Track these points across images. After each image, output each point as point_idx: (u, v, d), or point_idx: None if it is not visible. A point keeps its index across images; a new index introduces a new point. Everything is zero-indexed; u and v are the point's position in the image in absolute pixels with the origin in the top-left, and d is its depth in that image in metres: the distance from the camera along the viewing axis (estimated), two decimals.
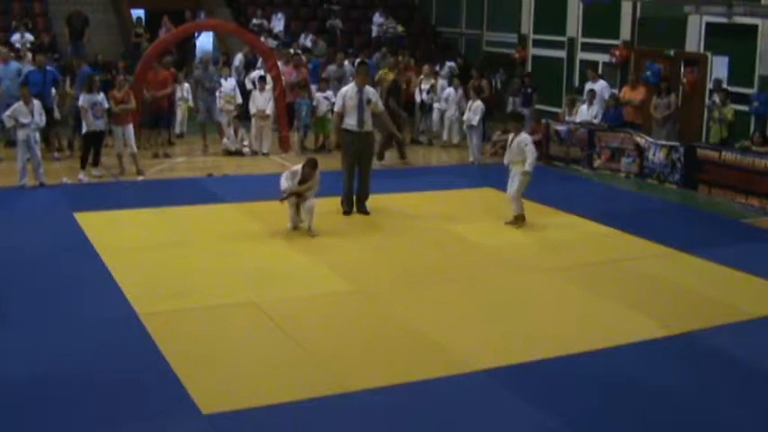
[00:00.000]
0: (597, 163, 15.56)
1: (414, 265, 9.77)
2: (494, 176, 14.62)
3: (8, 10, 20.61)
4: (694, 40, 17.08)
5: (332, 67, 18.11)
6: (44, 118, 13.05)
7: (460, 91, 17.37)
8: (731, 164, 13.35)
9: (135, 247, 10.08)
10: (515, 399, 6.49)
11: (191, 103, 17.00)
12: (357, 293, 8.76)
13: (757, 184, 12.92)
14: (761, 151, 13.35)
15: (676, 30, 17.27)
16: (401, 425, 6.11)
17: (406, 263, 9.83)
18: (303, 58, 18.30)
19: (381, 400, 6.42)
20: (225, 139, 16.08)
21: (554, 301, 8.74)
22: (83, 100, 13.41)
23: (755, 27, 15.67)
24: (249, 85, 17.05)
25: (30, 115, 12.75)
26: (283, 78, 16.60)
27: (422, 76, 18.03)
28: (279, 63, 16.83)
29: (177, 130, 17.21)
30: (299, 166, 10.82)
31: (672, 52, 17.55)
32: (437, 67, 18.77)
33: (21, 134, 12.76)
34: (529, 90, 18.54)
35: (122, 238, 10.40)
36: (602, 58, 19.18)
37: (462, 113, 16.57)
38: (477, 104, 16.01)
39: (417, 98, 17.85)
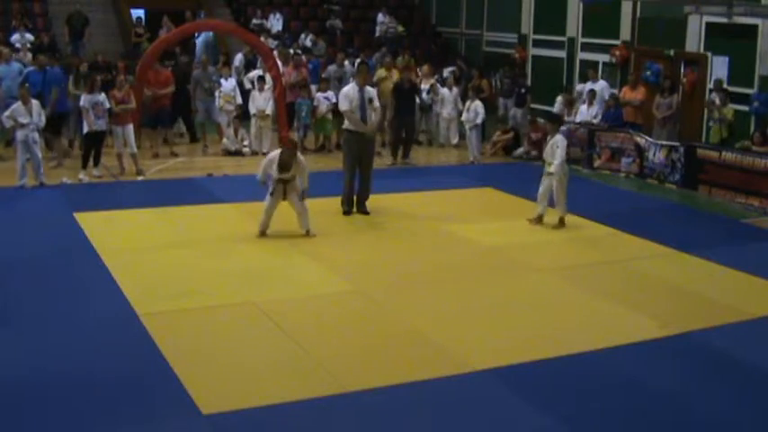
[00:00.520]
0: (597, 163, 15.56)
1: (414, 264, 9.77)
2: (494, 176, 14.65)
3: (8, 10, 20.60)
4: (694, 40, 17.09)
5: (332, 67, 18.10)
6: (42, 117, 13.04)
7: (455, 90, 17.35)
8: (731, 164, 13.35)
9: (135, 247, 10.08)
10: (515, 399, 6.49)
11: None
12: (357, 293, 8.76)
13: (757, 184, 12.92)
14: (761, 151, 13.35)
15: (676, 30, 17.28)
16: (401, 425, 6.11)
17: (406, 263, 9.82)
18: (303, 58, 18.29)
19: (381, 400, 6.42)
20: (224, 139, 16.08)
21: (554, 301, 8.74)
22: (84, 100, 13.41)
23: (755, 27, 15.67)
24: (248, 85, 17.03)
25: (28, 115, 12.74)
26: (283, 78, 16.59)
27: (421, 77, 18.01)
28: (279, 63, 16.83)
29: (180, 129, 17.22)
30: (276, 152, 10.57)
31: (672, 52, 17.55)
32: (437, 76, 18.55)
33: (20, 134, 12.75)
34: (522, 90, 18.48)
35: (122, 239, 10.40)
36: (602, 58, 19.20)
37: (460, 113, 16.58)
38: (477, 104, 16.02)
39: (417, 98, 17.83)
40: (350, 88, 11.92)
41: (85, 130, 13.59)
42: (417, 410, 6.30)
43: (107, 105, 13.55)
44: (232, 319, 7.97)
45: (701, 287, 9.24)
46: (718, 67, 16.41)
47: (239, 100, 16.22)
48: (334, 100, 15.62)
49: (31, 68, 15.48)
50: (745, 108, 15.43)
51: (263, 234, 10.52)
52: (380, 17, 23.19)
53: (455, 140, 17.46)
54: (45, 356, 6.98)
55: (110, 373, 6.69)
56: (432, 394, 6.55)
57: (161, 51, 16.16)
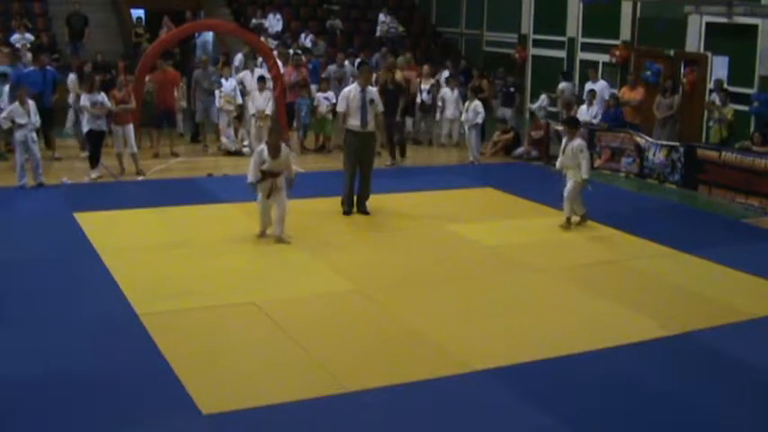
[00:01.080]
0: (597, 163, 15.54)
1: (414, 264, 9.77)
2: (494, 176, 14.65)
3: (8, 10, 20.60)
4: (694, 40, 17.10)
5: (332, 67, 18.10)
6: (38, 117, 13.02)
7: (456, 91, 17.36)
8: (731, 164, 13.35)
9: (135, 247, 10.08)
10: (515, 399, 6.49)
11: (183, 104, 16.98)
12: (357, 293, 8.76)
13: (757, 184, 12.92)
14: (761, 151, 13.35)
15: (676, 30, 17.28)
16: (401, 425, 6.11)
17: (406, 263, 9.82)
18: (303, 58, 18.30)
19: (381, 400, 6.42)
20: (223, 139, 16.08)
21: (554, 301, 8.74)
22: (84, 100, 13.42)
23: (755, 27, 15.68)
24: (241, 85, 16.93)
25: (26, 115, 12.75)
26: (284, 78, 16.60)
27: (421, 77, 18.02)
28: (279, 63, 16.83)
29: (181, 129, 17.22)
30: (261, 145, 10.37)
31: (672, 52, 17.56)
32: (439, 76, 18.50)
33: (18, 135, 12.75)
34: (511, 89, 18.45)
35: (122, 239, 10.39)
36: (602, 58, 19.21)
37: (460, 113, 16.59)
38: (476, 104, 16.03)
39: (417, 98, 17.85)
40: (351, 89, 11.91)
41: (85, 129, 13.60)
42: (417, 410, 6.29)
43: (107, 105, 13.55)
44: (232, 319, 7.97)
45: (701, 287, 9.24)
46: (719, 67, 16.42)
47: (239, 100, 16.22)
48: (334, 100, 15.61)
49: (31, 68, 15.47)
50: (745, 108, 15.44)
51: (263, 234, 10.49)
52: (381, 17, 23.20)
53: (456, 140, 17.47)
54: (45, 356, 6.97)
55: (110, 373, 6.69)
56: (432, 394, 6.55)
57: (161, 51, 16.16)
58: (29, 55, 17.07)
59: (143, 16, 22.85)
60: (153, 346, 7.18)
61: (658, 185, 14.45)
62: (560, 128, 16.05)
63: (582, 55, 20.04)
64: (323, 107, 16.24)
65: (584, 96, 17.00)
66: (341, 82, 16.87)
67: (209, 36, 21.85)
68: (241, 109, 16.33)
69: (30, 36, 19.12)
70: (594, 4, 18.80)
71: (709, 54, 16.71)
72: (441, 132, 17.76)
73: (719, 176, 13.50)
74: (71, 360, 6.92)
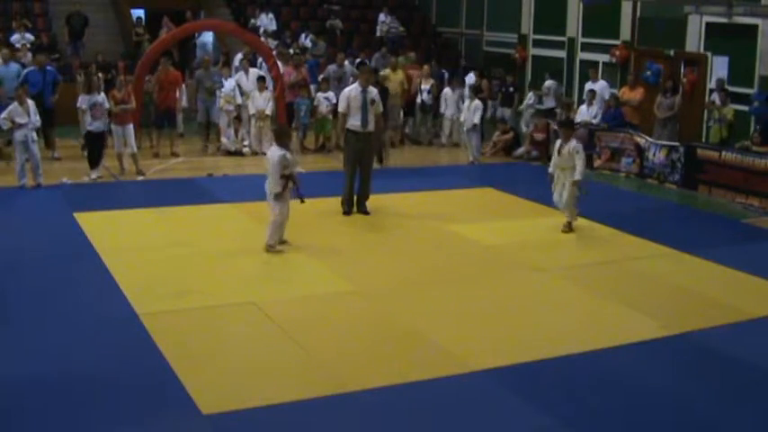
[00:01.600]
0: (597, 163, 15.55)
1: (414, 264, 9.77)
2: (494, 176, 14.65)
3: (8, 10, 20.60)
4: (694, 40, 17.09)
5: (332, 67, 18.10)
6: (37, 117, 13.02)
7: (458, 91, 17.37)
8: (731, 164, 13.35)
9: (135, 247, 10.08)
10: (515, 399, 6.49)
11: (184, 104, 16.97)
12: (357, 294, 8.76)
13: (757, 184, 12.92)
14: (761, 151, 13.35)
15: (676, 30, 17.28)
16: (401, 425, 6.11)
17: (406, 263, 9.82)
18: (303, 57, 18.31)
19: (381, 400, 6.41)
20: (223, 139, 16.09)
21: (554, 301, 8.74)
22: (82, 100, 13.42)
23: (755, 27, 15.67)
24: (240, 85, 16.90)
25: (26, 115, 12.75)
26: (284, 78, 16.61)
27: (421, 77, 18.02)
28: (279, 63, 16.82)
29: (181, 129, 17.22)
30: (281, 150, 9.85)
31: (672, 52, 17.56)
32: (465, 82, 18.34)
33: (18, 135, 12.75)
34: (510, 89, 18.44)
35: (122, 239, 10.40)
36: (602, 58, 19.20)
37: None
38: (476, 104, 16.03)
39: (418, 98, 17.86)
40: (352, 89, 11.89)
41: (84, 130, 13.60)
42: (417, 410, 6.29)
43: (106, 106, 13.55)
44: (232, 319, 7.97)
45: (701, 287, 9.24)
46: (719, 67, 16.41)
47: (239, 100, 16.22)
48: (334, 100, 15.61)
49: (31, 68, 15.47)
50: (745, 108, 15.43)
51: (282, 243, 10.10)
52: (382, 17, 23.19)
53: (456, 140, 17.48)
54: (45, 356, 6.98)
55: (110, 373, 6.69)
56: (432, 394, 6.55)
57: (161, 52, 16.16)
58: (29, 55, 17.06)
59: (143, 16, 22.84)
60: (153, 346, 7.18)
61: (658, 185, 14.45)
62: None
63: (582, 55, 20.03)
64: (323, 107, 16.24)
65: (585, 96, 17.01)
66: (341, 82, 16.86)
67: (208, 36, 21.86)
68: (240, 109, 16.32)
69: (30, 36, 19.11)
70: (594, 4, 18.79)
71: (709, 54, 16.71)
72: (441, 132, 17.77)
73: (719, 176, 13.50)
74: (71, 360, 6.92)
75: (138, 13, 23.09)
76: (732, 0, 15.33)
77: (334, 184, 12.21)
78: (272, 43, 19.74)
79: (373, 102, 11.73)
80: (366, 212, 11.87)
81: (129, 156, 14.01)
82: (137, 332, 7.50)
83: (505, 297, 8.84)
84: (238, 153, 15.82)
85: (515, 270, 9.72)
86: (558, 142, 11.42)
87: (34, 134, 12.89)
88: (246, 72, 16.39)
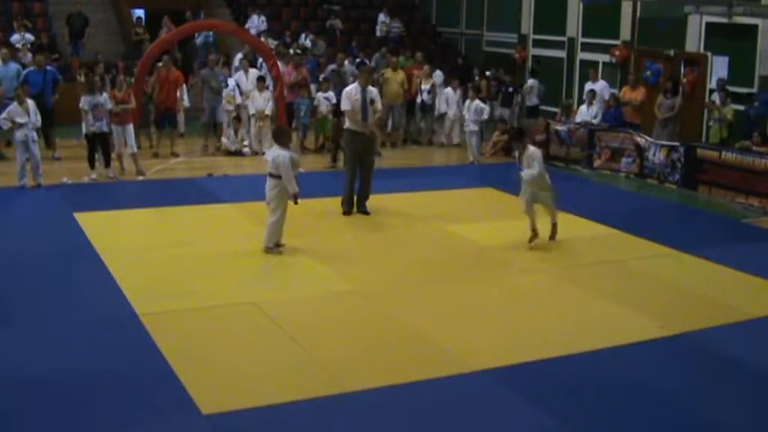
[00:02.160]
0: (597, 163, 15.56)
1: (414, 264, 9.77)
2: (493, 176, 14.65)
3: (8, 10, 20.60)
4: (694, 40, 17.09)
5: (332, 67, 18.09)
6: (38, 117, 13.02)
7: (459, 91, 17.36)
8: (731, 164, 13.35)
9: (135, 247, 10.08)
10: (515, 399, 6.49)
11: (186, 104, 16.96)
12: (357, 293, 8.76)
13: (757, 184, 12.92)
14: (761, 151, 13.35)
15: (676, 30, 17.28)
16: (401, 425, 6.11)
17: (406, 263, 9.82)
18: (303, 58, 18.31)
19: (381, 400, 6.42)
20: (223, 139, 16.10)
21: (554, 301, 8.74)
22: (83, 101, 13.41)
23: (755, 27, 15.68)
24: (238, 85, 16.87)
25: (26, 115, 12.74)
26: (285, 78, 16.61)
27: (421, 77, 18.02)
28: (279, 63, 16.82)
29: (182, 129, 17.21)
30: (285, 151, 9.78)
31: (672, 52, 17.56)
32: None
33: (19, 135, 12.75)
34: (510, 89, 18.46)
35: (122, 239, 10.40)
36: (602, 58, 19.20)
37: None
38: (476, 104, 16.04)
39: (418, 98, 17.86)
40: (352, 88, 11.89)
41: (84, 131, 13.60)
42: (417, 410, 6.30)
43: (108, 106, 13.55)
44: (232, 319, 7.97)
45: (701, 287, 9.24)
46: (719, 67, 16.41)
47: (239, 100, 16.22)
48: (334, 100, 15.61)
49: (31, 68, 15.47)
50: (752, 106, 15.41)
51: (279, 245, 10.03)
52: (381, 17, 23.18)
53: (457, 140, 17.48)
54: (45, 356, 6.97)
55: (110, 373, 6.69)
56: (432, 394, 6.55)
57: (161, 52, 16.16)
58: (29, 55, 17.06)
59: (143, 16, 22.84)
60: (153, 346, 7.18)
61: (658, 185, 14.45)
62: (560, 128, 16.10)
63: (582, 55, 20.03)
64: (323, 107, 16.24)
65: (585, 96, 17.02)
66: (340, 82, 16.85)
67: (208, 37, 21.82)
68: (240, 109, 16.32)
69: (30, 36, 19.11)
70: (594, 4, 18.79)
71: (709, 54, 16.71)
72: (441, 132, 17.78)
73: (719, 176, 13.50)
74: (71, 360, 6.92)
75: (138, 13, 23.09)
76: (732, 0, 15.33)
77: (334, 184, 12.21)
78: (272, 43, 19.74)
79: (373, 101, 11.74)
80: (366, 212, 11.87)
81: (129, 156, 14.01)
82: (137, 332, 7.50)
83: (505, 297, 8.84)
84: (238, 153, 15.82)
85: (515, 270, 9.72)
86: (517, 155, 10.84)
87: (35, 134, 12.88)
88: (246, 72, 16.39)
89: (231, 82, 16.37)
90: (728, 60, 16.23)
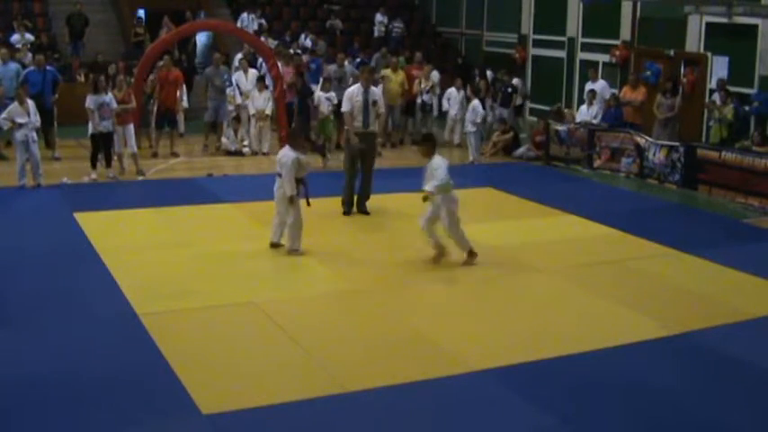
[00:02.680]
0: (597, 163, 15.56)
1: (414, 264, 9.76)
2: (494, 176, 14.65)
3: (8, 10, 20.61)
4: (694, 40, 17.10)
5: (332, 67, 18.09)
6: (38, 117, 13.01)
7: (462, 92, 17.36)
8: (731, 164, 13.35)
9: (135, 247, 10.08)
10: (515, 399, 6.49)
11: (185, 104, 16.95)
12: (357, 293, 8.76)
13: (757, 184, 12.92)
14: (761, 151, 13.35)
15: (676, 30, 17.28)
16: (401, 425, 6.11)
17: (406, 263, 9.81)
18: (303, 58, 18.29)
19: (381, 400, 6.42)
20: (223, 139, 16.09)
21: (554, 301, 8.74)
22: (89, 101, 13.39)
23: (755, 27, 15.68)
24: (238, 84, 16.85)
25: (26, 115, 12.74)
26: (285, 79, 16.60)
27: (421, 77, 18.01)
28: (279, 63, 16.81)
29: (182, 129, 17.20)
30: (292, 153, 9.80)
31: (672, 52, 17.56)
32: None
33: (19, 135, 12.75)
34: (509, 90, 18.47)
35: (122, 238, 10.40)
36: (602, 58, 19.21)
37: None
38: (475, 104, 16.04)
39: (418, 99, 17.84)
40: (354, 89, 11.85)
41: (90, 131, 13.59)
42: (417, 410, 6.30)
43: (113, 106, 13.54)
44: (232, 319, 7.97)
45: (701, 287, 9.24)
46: (719, 67, 16.42)
47: (239, 100, 16.22)
48: (335, 101, 15.60)
49: (30, 68, 15.48)
50: (745, 108, 15.43)
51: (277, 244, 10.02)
52: (379, 17, 23.17)
53: (457, 141, 17.48)
54: (45, 356, 6.98)
55: (110, 373, 6.69)
56: (432, 394, 6.55)
57: (161, 52, 16.16)
58: (29, 55, 17.06)
59: (143, 16, 22.84)
60: (153, 346, 7.18)
61: (658, 185, 14.45)
62: (560, 128, 16.10)
63: (582, 55, 20.04)
64: (324, 107, 16.23)
65: (585, 96, 17.03)
66: (341, 82, 16.86)
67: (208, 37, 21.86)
68: (239, 109, 16.31)
69: (30, 36, 19.12)
70: (594, 4, 18.80)
71: (710, 54, 16.71)
72: (444, 131, 17.77)
73: (719, 176, 13.50)
74: (71, 360, 6.92)
75: (139, 13, 23.09)
76: (732, 0, 15.33)
77: (334, 184, 12.21)
78: (272, 43, 19.74)
79: (375, 102, 11.72)
80: (366, 212, 11.87)
81: (129, 156, 14.01)
82: (137, 332, 7.50)
83: (505, 297, 8.84)
84: (238, 153, 15.82)
85: (515, 270, 9.72)
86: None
87: (34, 134, 12.87)
88: (246, 72, 16.38)
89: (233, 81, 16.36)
90: (728, 60, 16.23)
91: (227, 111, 16.08)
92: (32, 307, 8.08)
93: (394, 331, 7.77)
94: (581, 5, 19.56)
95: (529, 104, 21.81)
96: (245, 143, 16.07)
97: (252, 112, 15.99)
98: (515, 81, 19.01)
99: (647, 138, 15.00)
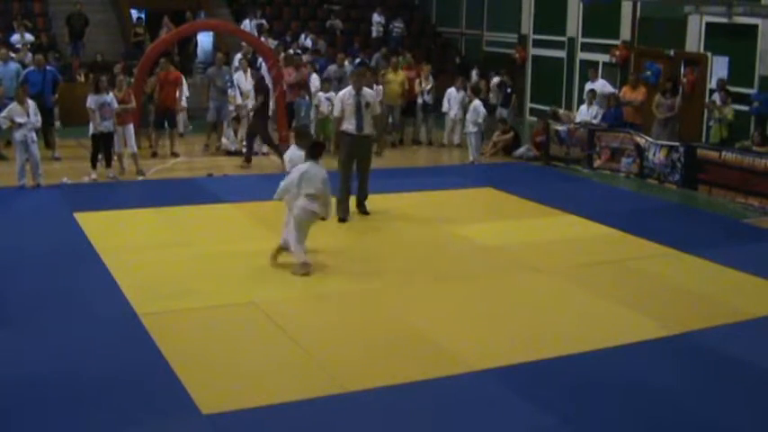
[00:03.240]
0: (597, 163, 15.56)
1: (413, 264, 9.77)
2: (494, 176, 14.66)
3: (8, 10, 20.62)
4: (694, 40, 17.10)
5: (332, 67, 18.09)
6: (38, 117, 13.02)
7: (462, 92, 17.37)
8: (731, 164, 13.35)
9: (135, 247, 10.08)
10: (515, 399, 6.49)
11: (184, 104, 16.94)
12: (357, 293, 8.75)
13: (757, 184, 12.92)
14: (761, 151, 13.35)
15: (676, 30, 17.29)
16: (401, 425, 6.11)
17: (406, 263, 9.82)
18: (303, 58, 18.29)
19: (381, 400, 6.41)
20: (223, 139, 16.09)
21: (554, 301, 8.74)
22: (91, 101, 13.39)
23: (755, 27, 15.69)
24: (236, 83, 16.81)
25: (25, 115, 12.74)
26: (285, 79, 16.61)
27: (422, 77, 18.02)
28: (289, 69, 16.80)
29: (181, 130, 17.20)
30: (302, 152, 9.50)
31: (672, 52, 17.56)
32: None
33: (18, 134, 12.74)
34: (508, 90, 18.47)
35: (122, 238, 10.40)
36: (602, 58, 19.21)
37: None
38: (476, 104, 16.04)
39: (419, 99, 17.85)
40: (346, 92, 11.70)
41: (91, 131, 13.59)
42: (417, 410, 6.29)
43: (115, 106, 13.54)
44: (232, 319, 7.97)
45: (701, 287, 9.24)
46: (719, 67, 16.42)
47: (239, 100, 16.21)
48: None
49: (30, 68, 15.48)
50: (745, 108, 15.44)
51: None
52: (376, 17, 23.16)
53: (457, 141, 17.48)
54: (45, 356, 6.97)
55: (110, 373, 6.69)
56: (432, 394, 6.55)
57: (161, 52, 16.16)
58: (29, 55, 17.07)
59: (143, 16, 22.86)
60: (153, 346, 7.18)
61: (658, 185, 14.45)
62: (560, 128, 16.11)
63: (582, 55, 20.04)
64: (324, 107, 16.23)
65: (585, 96, 17.04)
66: (341, 82, 16.87)
67: (207, 36, 21.86)
68: (240, 109, 16.30)
69: (30, 36, 19.12)
70: (594, 4, 18.81)
71: (710, 54, 16.71)
72: (444, 131, 17.78)
73: (719, 176, 13.50)
74: (71, 360, 6.92)
75: (139, 13, 23.12)
76: (732, 0, 15.34)
77: (334, 184, 12.17)
78: (273, 43, 19.75)
79: (368, 104, 11.60)
80: (366, 213, 11.83)
81: (129, 156, 14.01)
82: (137, 332, 7.50)
83: (505, 297, 8.84)
84: (238, 153, 15.82)
85: (515, 270, 9.72)
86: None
87: (34, 134, 12.86)
88: (246, 72, 16.38)
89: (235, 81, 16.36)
90: (728, 60, 16.24)
91: (228, 111, 16.08)
92: (32, 307, 8.08)
93: (394, 331, 7.77)
94: (581, 5, 19.57)
95: (529, 104, 21.85)
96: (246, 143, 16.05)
97: (252, 112, 15.97)
98: (496, 80, 19.19)
99: (647, 138, 15.00)
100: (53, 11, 21.45)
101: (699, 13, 16.53)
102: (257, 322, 7.88)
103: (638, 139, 15.02)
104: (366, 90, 11.79)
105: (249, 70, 16.62)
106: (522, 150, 16.69)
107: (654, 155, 14.67)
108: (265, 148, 15.94)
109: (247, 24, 21.41)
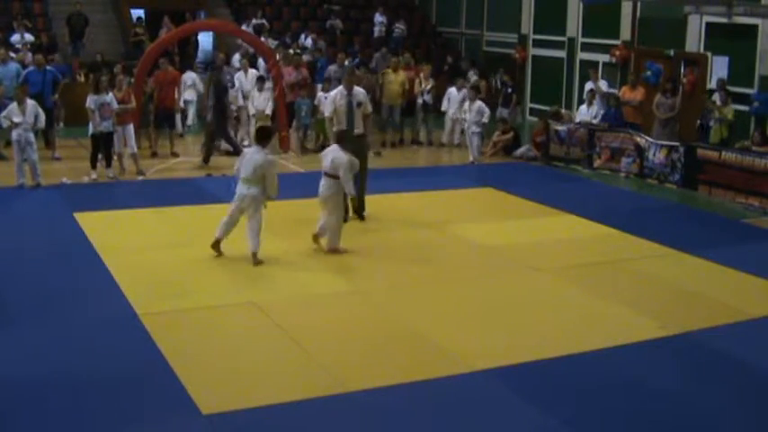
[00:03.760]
0: (597, 163, 15.55)
1: (413, 264, 9.76)
2: (494, 176, 14.66)
3: (8, 10, 20.62)
4: (694, 40, 17.09)
5: (332, 67, 18.08)
6: (41, 118, 13.01)
7: (463, 92, 17.37)
8: (731, 164, 13.35)
9: (135, 247, 10.08)
10: (516, 399, 6.49)
11: (182, 104, 16.92)
12: (357, 293, 8.76)
13: (757, 184, 12.92)
14: (761, 151, 13.35)
15: (676, 30, 17.28)
16: (401, 425, 6.11)
17: (406, 263, 9.82)
18: (303, 57, 18.30)
19: (381, 400, 6.42)
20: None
21: (554, 301, 8.74)
22: (90, 101, 13.39)
23: (755, 27, 15.68)
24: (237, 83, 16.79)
25: (21, 115, 12.72)
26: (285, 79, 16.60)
27: (422, 77, 18.01)
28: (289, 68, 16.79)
29: (180, 130, 17.19)
30: (344, 153, 9.75)
31: (672, 52, 17.56)
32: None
33: (14, 134, 12.75)
34: (509, 90, 18.46)
35: (122, 239, 10.39)
36: (602, 58, 19.21)
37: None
38: (478, 105, 16.04)
39: (419, 99, 17.84)
40: (337, 92, 11.63)
41: (91, 131, 13.59)
42: (417, 410, 6.30)
43: (115, 106, 13.54)
44: (232, 319, 7.97)
45: (701, 287, 9.24)
46: (719, 67, 16.41)
47: (240, 101, 16.21)
48: None
49: (30, 68, 15.48)
50: (745, 108, 15.44)
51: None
52: (378, 17, 23.16)
53: (457, 141, 17.48)
54: (45, 356, 6.98)
55: (110, 373, 6.69)
56: (432, 394, 6.55)
57: (161, 52, 16.15)
58: (29, 55, 17.07)
59: (143, 16, 22.86)
60: (153, 346, 7.18)
61: (658, 185, 14.45)
62: (560, 128, 16.11)
63: (582, 55, 20.03)
64: (324, 107, 16.22)
65: (585, 96, 17.04)
66: (341, 82, 16.86)
67: (207, 37, 21.86)
68: (239, 109, 16.30)
69: (30, 36, 19.12)
70: (594, 4, 18.80)
71: (709, 54, 16.71)
72: (444, 131, 17.78)
73: (719, 176, 13.50)
74: (71, 360, 6.92)
75: (138, 13, 23.11)
76: (732, 0, 15.33)
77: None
78: (273, 43, 19.74)
79: (360, 104, 11.59)
80: (362, 218, 11.68)
81: (129, 156, 14.01)
82: (137, 332, 7.50)
83: (505, 297, 8.84)
84: (238, 153, 15.77)
85: (515, 270, 9.72)
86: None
87: (31, 135, 12.79)
88: (246, 72, 16.38)
89: (236, 81, 16.35)
90: (728, 60, 16.23)
91: (229, 111, 16.06)
92: (32, 307, 8.08)
93: (394, 331, 7.78)
94: (581, 5, 19.56)
95: (529, 104, 21.84)
96: (246, 143, 16.04)
97: (252, 112, 15.98)
98: (476, 79, 19.09)
99: (647, 138, 15.00)
100: (53, 11, 21.44)
101: (699, 13, 16.52)
102: (257, 322, 7.88)
103: (638, 139, 15.02)
104: (357, 89, 11.76)
105: (250, 70, 16.63)
106: (522, 150, 16.68)
107: (654, 155, 14.66)
108: (224, 145, 15.73)
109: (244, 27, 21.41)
